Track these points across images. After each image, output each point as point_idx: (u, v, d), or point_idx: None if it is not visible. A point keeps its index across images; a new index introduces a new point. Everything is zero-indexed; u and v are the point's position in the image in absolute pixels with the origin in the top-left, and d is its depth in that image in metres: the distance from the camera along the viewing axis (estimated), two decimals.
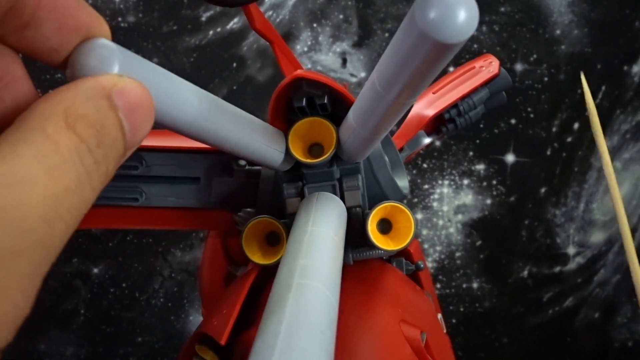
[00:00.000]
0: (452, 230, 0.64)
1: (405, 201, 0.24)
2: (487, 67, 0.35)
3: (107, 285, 0.60)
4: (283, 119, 0.24)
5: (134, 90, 0.13)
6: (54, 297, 0.59)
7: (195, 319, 0.62)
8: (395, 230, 0.24)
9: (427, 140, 0.35)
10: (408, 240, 0.23)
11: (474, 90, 0.34)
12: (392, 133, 0.32)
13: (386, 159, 0.26)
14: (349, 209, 0.24)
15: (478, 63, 0.35)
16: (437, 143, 0.64)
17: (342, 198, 0.24)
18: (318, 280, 0.16)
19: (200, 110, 0.16)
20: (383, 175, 0.25)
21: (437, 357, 0.22)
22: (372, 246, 0.24)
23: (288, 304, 0.15)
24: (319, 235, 0.19)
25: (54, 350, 0.60)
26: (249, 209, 0.27)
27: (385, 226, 0.25)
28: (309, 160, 0.23)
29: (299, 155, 0.23)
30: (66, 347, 0.60)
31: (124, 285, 0.61)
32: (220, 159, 0.27)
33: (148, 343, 0.61)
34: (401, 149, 0.33)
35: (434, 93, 0.34)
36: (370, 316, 0.22)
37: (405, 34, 0.14)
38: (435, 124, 0.35)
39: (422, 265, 0.29)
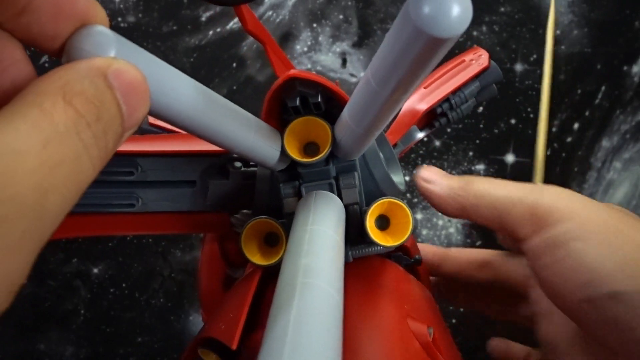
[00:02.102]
0: (452, 230, 0.64)
1: (405, 201, 0.24)
2: (477, 60, 0.35)
3: (107, 285, 0.60)
4: (277, 119, 0.24)
5: (128, 72, 0.13)
6: (53, 297, 0.59)
7: (195, 319, 0.62)
8: (394, 226, 0.24)
9: (420, 135, 0.35)
10: (407, 236, 0.24)
11: (465, 84, 0.34)
12: (385, 129, 0.32)
13: (381, 155, 0.26)
14: (346, 207, 0.24)
15: (468, 56, 0.35)
16: (437, 143, 0.64)
17: (340, 196, 0.24)
18: (322, 278, 0.16)
19: (195, 100, 0.16)
20: (379, 172, 0.25)
21: (444, 350, 0.23)
22: (371, 243, 0.24)
23: (294, 304, 0.15)
24: (319, 234, 0.19)
25: (53, 350, 0.59)
26: (245, 211, 0.27)
27: (383, 222, 0.25)
28: (304, 160, 0.23)
29: (294, 154, 0.23)
30: (66, 347, 0.60)
31: (123, 285, 0.61)
32: (215, 162, 0.27)
33: (148, 343, 0.61)
34: (395, 145, 0.34)
35: (425, 88, 0.34)
36: (376, 313, 0.22)
37: (399, 29, 0.14)
38: (428, 119, 0.35)
39: (420, 259, 0.29)
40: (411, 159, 0.64)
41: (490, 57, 0.35)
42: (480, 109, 0.63)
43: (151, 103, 0.14)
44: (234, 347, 0.20)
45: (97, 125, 0.12)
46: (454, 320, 0.64)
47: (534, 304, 0.31)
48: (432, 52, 0.13)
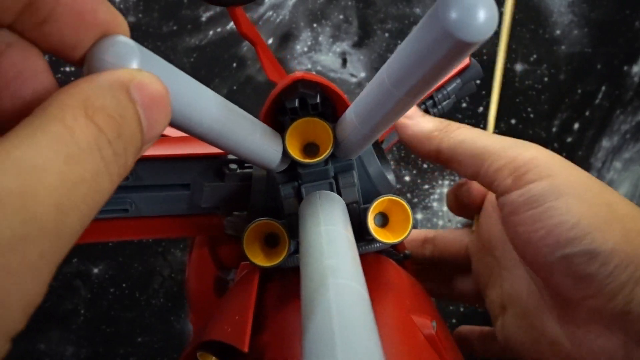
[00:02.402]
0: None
1: (405, 200, 0.24)
2: None
3: (107, 285, 0.60)
4: (272, 120, 0.24)
5: (152, 85, 0.13)
6: (54, 297, 0.59)
7: None
8: (393, 223, 0.25)
9: None
10: (407, 232, 0.24)
11: (448, 81, 0.35)
12: None
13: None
14: (346, 206, 0.24)
15: None
16: None
17: (339, 195, 0.24)
18: (350, 278, 0.16)
19: (213, 111, 0.16)
20: (374, 170, 0.26)
21: (445, 343, 0.23)
22: (372, 240, 0.24)
23: (332, 304, 0.15)
24: (335, 234, 0.19)
25: (54, 350, 0.60)
26: (237, 213, 0.27)
27: (382, 219, 0.25)
28: (306, 160, 0.23)
29: (295, 155, 0.23)
30: (66, 347, 0.60)
31: (124, 285, 0.61)
32: (210, 165, 0.27)
33: (148, 343, 0.61)
34: (381, 142, 0.34)
35: None
36: (380, 310, 0.22)
37: (425, 32, 0.14)
38: None
39: (409, 254, 0.29)
40: (412, 159, 0.64)
41: (472, 56, 0.35)
42: (481, 108, 0.63)
43: (172, 115, 0.14)
44: (246, 349, 0.20)
45: (118, 142, 0.12)
46: (454, 320, 0.64)
47: (477, 274, 0.32)
48: (456, 55, 0.14)
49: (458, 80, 0.35)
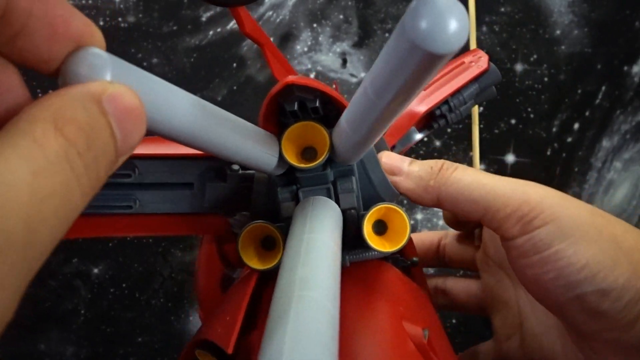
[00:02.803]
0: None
1: (405, 202, 0.24)
2: (477, 62, 0.35)
3: (107, 285, 0.60)
4: (274, 123, 0.24)
5: (124, 96, 0.13)
6: (54, 297, 0.59)
7: (195, 319, 0.62)
8: (391, 231, 0.24)
9: (418, 136, 0.35)
10: (404, 242, 0.24)
11: (465, 86, 0.34)
12: None
13: (379, 159, 0.26)
14: (343, 212, 0.24)
15: (467, 58, 0.35)
16: (437, 143, 0.64)
17: (337, 200, 0.24)
18: (318, 291, 0.16)
19: (193, 117, 0.16)
20: (376, 176, 0.25)
21: (439, 351, 0.23)
22: (368, 248, 0.24)
23: (290, 318, 0.14)
24: (316, 243, 0.19)
25: (54, 350, 0.59)
26: (244, 213, 0.27)
27: (380, 227, 0.25)
28: (302, 165, 0.23)
29: (292, 159, 0.23)
30: (66, 347, 0.60)
31: (124, 285, 0.61)
32: (213, 165, 0.27)
33: (148, 343, 0.61)
34: (393, 146, 0.34)
35: (424, 89, 0.34)
36: (372, 316, 0.22)
37: (396, 44, 0.14)
38: (427, 120, 0.35)
39: (417, 261, 0.29)
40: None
41: (490, 59, 0.35)
42: (480, 108, 0.63)
43: (149, 122, 0.14)
44: (230, 351, 0.20)
45: (89, 153, 0.12)
46: (454, 321, 0.64)
47: (488, 288, 0.32)
48: (428, 67, 0.13)
49: (475, 86, 0.34)
